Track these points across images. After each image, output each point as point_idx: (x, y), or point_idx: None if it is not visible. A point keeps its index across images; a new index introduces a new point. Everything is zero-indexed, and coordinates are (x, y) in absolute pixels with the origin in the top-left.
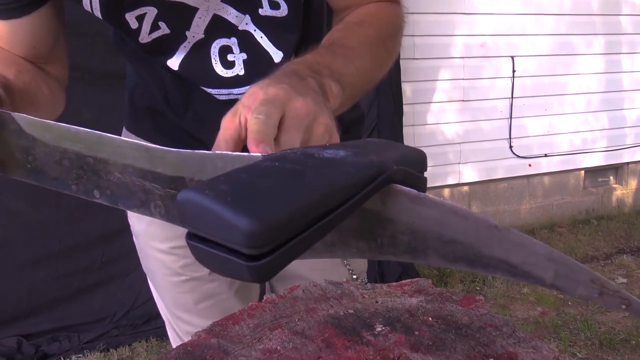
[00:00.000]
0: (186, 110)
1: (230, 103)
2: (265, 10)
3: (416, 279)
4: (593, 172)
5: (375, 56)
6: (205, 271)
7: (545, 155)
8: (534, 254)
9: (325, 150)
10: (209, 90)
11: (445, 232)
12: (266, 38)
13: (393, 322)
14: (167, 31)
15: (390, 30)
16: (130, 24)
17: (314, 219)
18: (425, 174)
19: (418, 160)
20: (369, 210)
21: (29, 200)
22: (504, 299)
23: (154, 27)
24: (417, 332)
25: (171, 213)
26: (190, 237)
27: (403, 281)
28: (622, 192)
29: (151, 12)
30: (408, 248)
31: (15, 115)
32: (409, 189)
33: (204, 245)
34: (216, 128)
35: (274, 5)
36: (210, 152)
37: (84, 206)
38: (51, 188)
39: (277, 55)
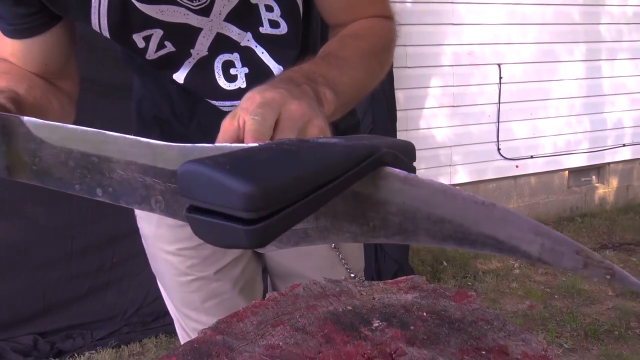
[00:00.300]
0: (191, 120)
1: None
2: (266, 29)
3: (411, 276)
4: (576, 172)
5: (367, 67)
6: (210, 271)
7: (531, 157)
8: (520, 229)
9: (319, 139)
10: (213, 102)
11: (434, 211)
12: (267, 54)
13: (389, 318)
14: (173, 49)
15: (383, 44)
16: (137, 44)
17: (309, 190)
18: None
19: (407, 149)
20: (360, 194)
21: (44, 204)
22: (494, 293)
23: (160, 46)
24: (412, 327)
25: (171, 207)
26: (190, 210)
27: (399, 278)
28: (604, 190)
29: (157, 33)
30: (399, 229)
31: (25, 118)
32: (399, 170)
33: (203, 216)
34: None
35: (274, 24)
36: (211, 144)
37: (95, 209)
38: (55, 189)
39: (277, 70)
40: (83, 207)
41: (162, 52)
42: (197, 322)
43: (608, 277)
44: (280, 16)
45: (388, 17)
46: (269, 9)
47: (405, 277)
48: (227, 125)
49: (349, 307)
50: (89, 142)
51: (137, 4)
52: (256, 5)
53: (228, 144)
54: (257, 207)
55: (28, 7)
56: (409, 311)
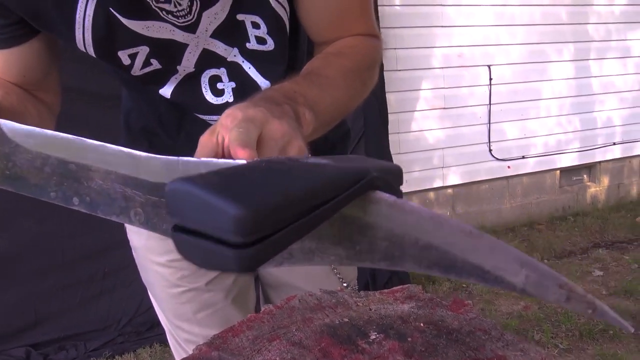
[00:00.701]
0: (179, 133)
1: None
2: (252, 45)
3: (407, 285)
4: (568, 172)
5: (350, 86)
6: (202, 282)
7: (523, 157)
8: (506, 260)
9: (307, 159)
10: (201, 116)
11: (421, 237)
12: (254, 69)
13: (386, 329)
14: (159, 67)
15: (367, 63)
16: (123, 61)
17: (300, 213)
18: (412, 178)
19: (395, 173)
20: (348, 217)
21: (35, 215)
22: (489, 294)
23: (146, 63)
24: (409, 339)
25: (151, 221)
26: (175, 229)
27: (395, 288)
28: (595, 189)
29: (143, 50)
30: (385, 255)
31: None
32: (388, 195)
33: (190, 236)
34: None
35: (261, 41)
36: (194, 159)
37: (86, 220)
38: (29, 195)
39: (264, 85)
40: (74, 218)
41: (148, 69)
42: (190, 333)
43: (590, 311)
44: (267, 33)
45: (374, 35)
46: (256, 25)
47: (401, 287)
48: (205, 141)
49: (346, 319)
50: (68, 148)
51: (123, 20)
52: (242, 22)
53: (214, 160)
54: (248, 231)
55: (6, 18)
56: (406, 322)
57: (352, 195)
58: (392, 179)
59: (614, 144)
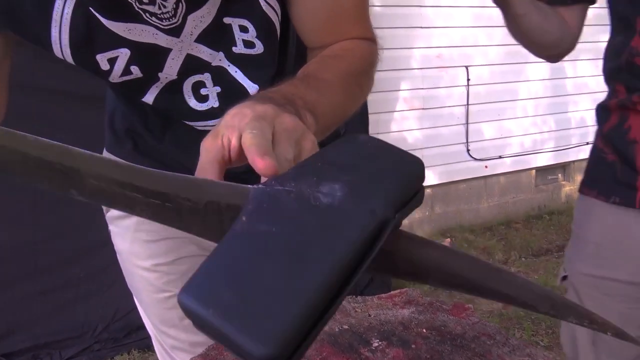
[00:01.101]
0: (165, 135)
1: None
2: (240, 49)
3: (405, 289)
4: (543, 171)
5: (348, 90)
6: None
7: (500, 157)
8: (532, 292)
9: (320, 187)
10: (188, 123)
11: (446, 268)
12: (241, 72)
13: (389, 336)
14: (140, 75)
15: (364, 66)
16: (101, 65)
17: (323, 309)
18: None
19: (416, 173)
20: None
21: (6, 220)
22: None
23: (126, 71)
24: (413, 346)
25: (160, 214)
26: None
27: (392, 292)
28: (569, 188)
29: (124, 54)
30: (409, 273)
31: None
32: (411, 233)
33: (209, 332)
34: (196, 152)
35: (249, 45)
36: (196, 178)
37: (60, 224)
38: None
39: (252, 89)
40: (47, 223)
41: (127, 77)
42: (176, 339)
43: (609, 333)
44: (256, 37)
45: (370, 39)
46: (244, 29)
47: (399, 291)
48: (209, 145)
49: (345, 326)
50: (47, 150)
51: (103, 20)
52: (229, 26)
53: (217, 182)
54: None
55: None
56: (408, 328)
57: (374, 259)
58: (414, 180)
59: (587, 143)
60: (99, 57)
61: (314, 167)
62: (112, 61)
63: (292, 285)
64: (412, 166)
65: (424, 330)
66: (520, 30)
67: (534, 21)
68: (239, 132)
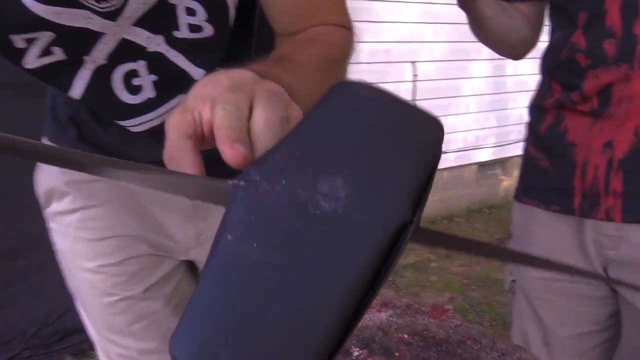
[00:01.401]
0: (111, 123)
1: (152, 133)
2: (183, 33)
3: None
4: (484, 166)
5: (324, 76)
6: (138, 289)
7: (444, 152)
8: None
9: (319, 187)
10: (122, 124)
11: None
12: (183, 57)
13: (369, 343)
14: (63, 57)
15: (340, 54)
16: (15, 43)
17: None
18: None
19: (436, 142)
20: None
21: None
22: (415, 287)
23: (46, 52)
24: (397, 354)
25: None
26: None
27: None
28: (508, 183)
29: (46, 36)
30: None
31: None
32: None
33: None
34: (144, 143)
35: (195, 29)
36: (166, 170)
37: None
38: None
39: (198, 73)
40: None
41: (46, 60)
42: (123, 347)
43: None
44: (206, 20)
45: (346, 27)
46: (191, 12)
47: None
48: (177, 122)
49: None
50: None
51: (26, 1)
52: (173, 7)
53: (177, 173)
54: None
55: None
56: (388, 333)
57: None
58: (434, 146)
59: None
60: (13, 36)
61: (305, 147)
62: (29, 40)
63: (299, 332)
64: (430, 133)
65: (406, 336)
66: (486, 31)
67: (500, 21)
68: (212, 103)
